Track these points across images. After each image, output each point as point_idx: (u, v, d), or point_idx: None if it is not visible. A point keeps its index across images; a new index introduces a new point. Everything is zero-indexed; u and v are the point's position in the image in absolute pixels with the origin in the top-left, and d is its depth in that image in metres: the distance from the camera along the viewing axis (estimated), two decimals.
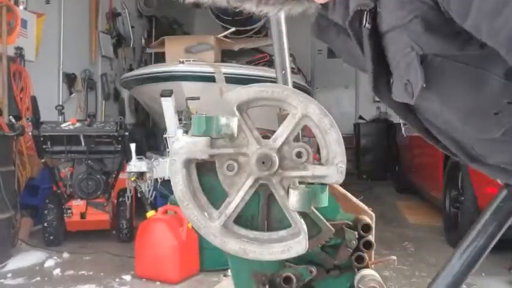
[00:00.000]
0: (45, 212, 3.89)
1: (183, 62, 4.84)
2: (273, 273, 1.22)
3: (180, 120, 4.02)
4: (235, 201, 1.10)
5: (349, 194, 1.25)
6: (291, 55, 3.29)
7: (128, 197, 3.90)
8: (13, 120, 3.83)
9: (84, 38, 6.23)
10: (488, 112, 0.73)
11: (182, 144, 1.09)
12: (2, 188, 3.42)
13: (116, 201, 4.12)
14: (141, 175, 3.72)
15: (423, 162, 5.42)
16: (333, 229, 1.18)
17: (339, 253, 1.21)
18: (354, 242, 1.20)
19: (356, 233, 1.20)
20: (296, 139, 1.12)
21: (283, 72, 1.18)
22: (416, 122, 0.93)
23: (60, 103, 5.15)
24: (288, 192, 1.08)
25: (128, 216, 4.02)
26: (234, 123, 1.09)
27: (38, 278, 3.18)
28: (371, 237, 1.22)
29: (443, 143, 0.94)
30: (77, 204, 3.99)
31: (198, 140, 1.07)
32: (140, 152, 4.00)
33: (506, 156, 0.83)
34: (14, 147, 3.81)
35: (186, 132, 3.51)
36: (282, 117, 1.16)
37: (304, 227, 1.11)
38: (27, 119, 3.97)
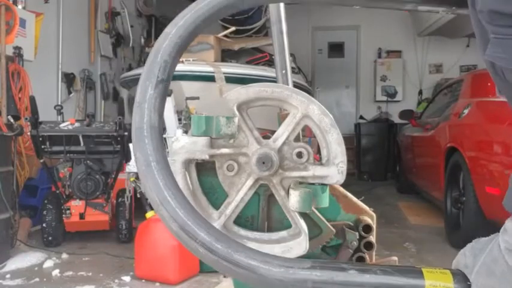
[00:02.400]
0: (44, 212, 3.88)
1: (182, 62, 4.83)
2: None
3: (179, 120, 4.01)
4: (235, 201, 1.09)
5: (349, 195, 1.24)
6: (291, 54, 3.28)
7: (127, 197, 3.89)
8: (12, 120, 3.82)
9: (83, 37, 6.22)
10: None
11: (182, 144, 1.08)
12: (1, 189, 3.41)
13: (115, 201, 4.11)
14: None
15: (424, 163, 5.41)
16: (334, 230, 1.17)
17: (339, 254, 1.20)
18: (355, 242, 1.19)
19: (357, 233, 1.19)
20: (296, 139, 1.11)
21: (284, 71, 1.17)
22: None
23: (59, 103, 5.14)
24: (288, 193, 1.07)
25: (127, 217, 4.01)
26: (234, 123, 1.08)
27: (37, 279, 3.17)
28: (372, 238, 1.21)
29: None
30: (76, 205, 3.98)
31: (197, 140, 1.06)
32: None
33: None
34: (12, 147, 3.80)
35: (185, 132, 3.50)
36: (282, 117, 1.15)
37: (305, 227, 1.10)
38: (26, 118, 3.96)
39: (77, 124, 3.98)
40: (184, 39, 0.90)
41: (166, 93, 0.91)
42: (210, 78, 4.94)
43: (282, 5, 1.12)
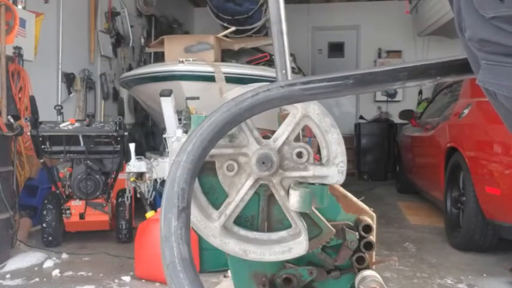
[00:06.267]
0: (44, 212, 3.87)
1: (182, 62, 4.83)
2: (273, 274, 1.21)
3: (179, 120, 4.01)
4: (235, 201, 1.09)
5: (349, 194, 1.24)
6: (291, 54, 3.28)
7: (127, 197, 3.88)
8: (12, 120, 3.81)
9: (83, 37, 6.22)
10: None
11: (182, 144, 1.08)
12: (1, 189, 3.41)
13: (115, 201, 4.11)
14: (140, 175, 3.70)
15: (424, 163, 5.41)
16: (334, 230, 1.17)
17: (339, 254, 1.20)
18: (355, 242, 1.19)
19: (357, 233, 1.19)
20: (296, 139, 1.11)
21: (284, 71, 1.16)
22: None
23: (59, 103, 5.13)
24: (288, 193, 1.07)
25: (127, 217, 4.01)
26: None
27: (37, 279, 3.16)
28: (372, 238, 1.21)
29: None
30: (76, 205, 3.98)
31: None
32: (139, 152, 3.98)
33: None
34: (12, 147, 3.80)
35: (185, 132, 3.50)
36: (282, 117, 1.15)
37: (305, 227, 1.10)
38: (26, 118, 3.96)
39: (77, 124, 3.97)
40: (195, 163, 0.93)
41: (189, 220, 0.92)
42: (210, 78, 4.94)
43: (282, 5, 1.12)
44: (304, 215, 1.11)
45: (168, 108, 3.79)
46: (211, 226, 1.08)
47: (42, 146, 3.90)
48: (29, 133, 3.96)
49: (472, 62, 0.81)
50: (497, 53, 0.71)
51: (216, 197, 1.12)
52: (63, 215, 3.95)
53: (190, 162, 0.92)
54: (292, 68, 3.91)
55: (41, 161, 3.97)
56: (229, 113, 0.95)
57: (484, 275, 3.19)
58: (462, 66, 0.88)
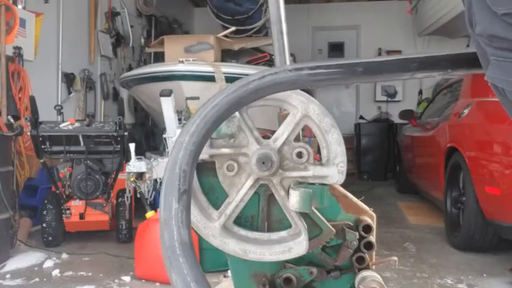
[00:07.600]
0: (44, 212, 3.87)
1: (182, 62, 4.83)
2: (273, 274, 1.21)
3: (179, 120, 4.01)
4: (235, 201, 1.09)
5: (349, 194, 1.24)
6: (291, 54, 3.27)
7: (127, 197, 3.88)
8: (12, 120, 3.81)
9: (83, 37, 6.22)
10: None
11: None
12: (1, 189, 3.41)
13: (115, 201, 4.11)
14: (140, 175, 3.70)
15: (424, 163, 5.41)
16: (334, 230, 1.17)
17: (339, 254, 1.20)
18: (355, 242, 1.19)
19: (357, 233, 1.19)
20: (296, 139, 1.11)
21: None
22: None
23: (59, 103, 5.13)
24: (288, 193, 1.07)
25: (127, 217, 4.01)
26: (234, 123, 1.08)
27: (37, 279, 3.16)
28: (372, 238, 1.21)
29: None
30: (76, 205, 3.98)
31: None
32: (139, 152, 3.98)
33: None
34: (12, 147, 3.80)
35: None
36: (282, 117, 1.15)
37: (305, 227, 1.10)
38: (26, 118, 3.96)
39: (77, 124, 3.97)
40: (198, 145, 0.90)
41: (190, 203, 0.90)
42: (210, 78, 4.94)
43: (282, 5, 1.12)
44: (304, 215, 1.11)
45: (168, 108, 3.79)
46: (211, 226, 1.08)
47: (42, 146, 3.90)
48: (29, 133, 3.96)
49: (481, 57, 0.80)
50: (507, 49, 0.71)
51: (216, 197, 1.12)
52: (63, 215, 3.95)
53: (193, 144, 0.90)
54: None
55: (41, 161, 3.97)
56: (234, 94, 0.92)
57: (484, 275, 3.19)
58: (473, 60, 0.86)
